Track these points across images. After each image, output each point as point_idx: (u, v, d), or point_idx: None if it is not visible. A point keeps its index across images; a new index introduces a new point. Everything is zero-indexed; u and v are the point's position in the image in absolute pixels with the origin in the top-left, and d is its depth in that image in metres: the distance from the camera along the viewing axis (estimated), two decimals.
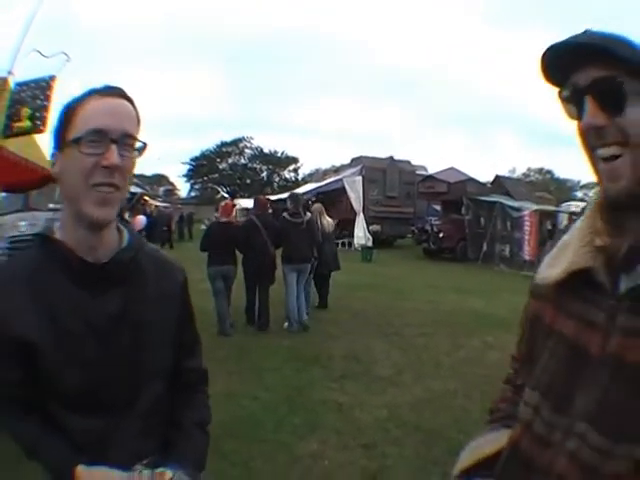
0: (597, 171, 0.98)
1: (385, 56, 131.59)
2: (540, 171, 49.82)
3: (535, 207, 19.80)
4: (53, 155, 1.32)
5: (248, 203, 28.51)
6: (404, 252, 23.57)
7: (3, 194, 7.95)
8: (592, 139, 0.97)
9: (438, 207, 25.84)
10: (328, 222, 10.23)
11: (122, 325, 1.35)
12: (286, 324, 8.72)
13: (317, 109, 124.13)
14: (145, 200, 24.68)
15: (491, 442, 1.21)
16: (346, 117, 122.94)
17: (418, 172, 26.92)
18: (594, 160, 0.98)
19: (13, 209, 10.99)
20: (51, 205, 10.54)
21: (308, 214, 9.24)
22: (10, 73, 4.86)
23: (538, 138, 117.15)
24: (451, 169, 23.93)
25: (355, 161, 27.57)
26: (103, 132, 1.22)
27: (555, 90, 1.04)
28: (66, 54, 5.08)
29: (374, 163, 25.92)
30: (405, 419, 5.02)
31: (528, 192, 24.19)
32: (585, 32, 0.97)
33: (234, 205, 9.68)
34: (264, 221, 8.74)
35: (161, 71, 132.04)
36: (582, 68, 0.97)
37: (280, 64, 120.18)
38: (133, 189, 25.87)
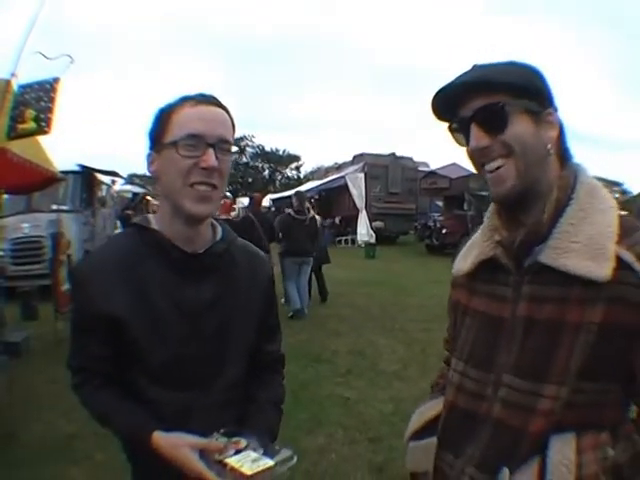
0: (487, 180, 1.22)
1: (386, 52, 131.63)
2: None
3: None
4: (149, 155, 1.44)
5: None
6: (407, 248, 23.56)
7: (6, 196, 8.01)
8: (480, 158, 1.21)
9: (441, 203, 25.75)
10: (317, 219, 10.55)
11: (213, 310, 1.49)
12: (290, 313, 9.28)
13: (318, 106, 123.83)
14: (147, 200, 24.71)
15: (432, 408, 1.47)
16: (347, 114, 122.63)
17: (420, 168, 26.78)
18: (483, 173, 1.22)
19: (15, 211, 11.00)
20: (54, 206, 10.57)
21: (312, 212, 9.91)
22: (13, 75, 4.89)
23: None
24: (453, 165, 23.80)
25: (357, 158, 27.50)
26: (199, 136, 1.33)
27: (445, 124, 1.29)
28: (70, 56, 5.12)
29: (376, 160, 25.82)
30: (411, 413, 4.93)
31: None
32: (472, 67, 1.22)
33: (233, 203, 10.51)
34: (260, 218, 9.31)
35: (159, 69, 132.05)
36: (466, 102, 1.19)
37: (280, 62, 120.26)
38: (135, 189, 25.97)
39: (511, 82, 1.15)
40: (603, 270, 1.08)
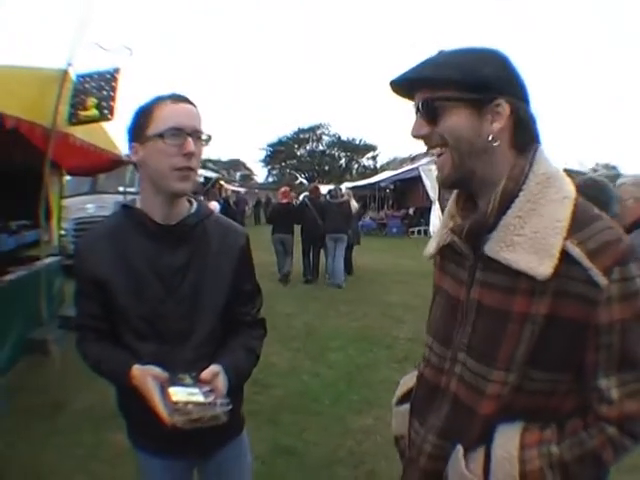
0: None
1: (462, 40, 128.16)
2: (606, 166, 47.97)
3: None
4: (132, 147, 1.67)
5: (325, 189, 28.71)
6: None
7: (68, 177, 8.41)
8: (424, 144, 1.30)
9: None
10: (354, 206, 12.57)
11: (186, 273, 1.73)
12: (327, 277, 11.77)
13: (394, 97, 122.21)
14: (220, 185, 25.08)
15: (412, 377, 1.59)
16: None
17: None
18: None
19: (79, 192, 11.30)
20: (120, 188, 10.83)
21: (345, 197, 11.95)
22: (70, 65, 5.18)
23: (603, 133, 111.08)
24: None
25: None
26: (180, 128, 1.59)
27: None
28: (129, 48, 5.43)
29: None
30: None
31: None
32: (438, 53, 1.26)
33: (291, 190, 13.24)
34: (314, 203, 11.82)
35: (240, 60, 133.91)
36: (413, 94, 1.27)
37: (359, 53, 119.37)
38: (209, 174, 26.35)
39: (449, 78, 1.17)
40: (543, 267, 1.09)
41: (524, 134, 1.22)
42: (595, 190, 2.91)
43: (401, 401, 1.61)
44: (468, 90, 1.17)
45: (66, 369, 5.33)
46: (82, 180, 11.16)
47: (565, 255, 1.10)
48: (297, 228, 11.80)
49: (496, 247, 1.18)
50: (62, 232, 8.94)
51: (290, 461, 3.93)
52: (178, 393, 1.50)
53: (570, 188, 1.19)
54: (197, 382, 1.58)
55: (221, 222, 1.89)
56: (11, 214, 7.97)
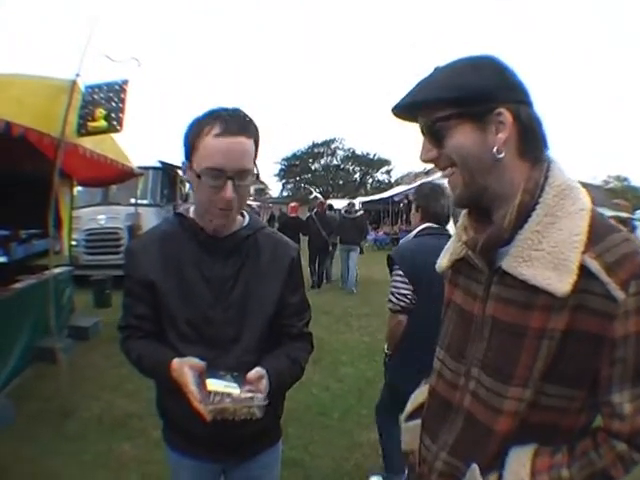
0: None
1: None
2: (617, 178, 47.60)
3: (611, 213, 18.79)
4: (184, 164, 1.67)
5: (340, 204, 28.86)
6: None
7: (79, 188, 8.43)
8: (435, 166, 1.27)
9: None
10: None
11: (235, 281, 1.75)
12: (340, 284, 12.90)
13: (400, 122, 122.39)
14: None
15: (423, 392, 1.55)
16: None
17: None
18: None
19: (90, 203, 11.30)
20: (132, 200, 10.77)
21: (360, 212, 13.71)
22: (78, 76, 5.19)
23: (614, 146, 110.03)
24: None
25: None
26: (220, 170, 1.55)
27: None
28: (137, 59, 5.44)
29: None
30: None
31: (606, 198, 22.98)
32: (434, 70, 1.23)
33: (300, 206, 14.62)
34: (319, 217, 13.02)
35: (256, 76, 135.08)
36: (417, 116, 1.25)
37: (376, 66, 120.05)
38: None
39: (447, 97, 1.15)
40: (563, 284, 1.07)
41: (531, 140, 1.18)
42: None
43: (411, 416, 1.59)
44: (466, 105, 1.14)
45: (74, 378, 5.37)
46: (94, 191, 11.22)
47: (583, 269, 1.08)
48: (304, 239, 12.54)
49: (514, 262, 1.15)
50: (73, 242, 9.02)
51: (296, 473, 3.92)
52: (215, 384, 1.51)
53: (586, 199, 1.16)
54: (237, 380, 1.56)
55: (272, 235, 1.91)
56: (21, 223, 8.02)
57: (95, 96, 5.32)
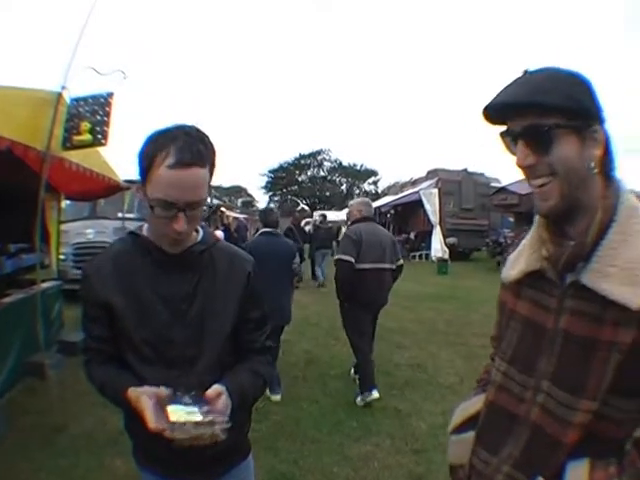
0: (534, 193, 1.25)
1: (458, 67, 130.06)
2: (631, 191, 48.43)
3: None
4: (138, 189, 1.62)
5: (334, 215, 28.88)
6: (480, 265, 22.92)
7: (67, 202, 8.35)
8: (526, 173, 1.25)
9: (512, 219, 25.00)
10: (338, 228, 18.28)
11: (192, 299, 1.72)
12: (317, 284, 15.68)
13: (393, 121, 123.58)
14: (222, 211, 25.23)
15: (474, 404, 1.54)
16: (421, 129, 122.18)
17: (492, 184, 26.10)
18: (530, 185, 1.25)
19: (78, 217, 11.25)
20: (120, 214, 10.77)
21: (330, 224, 17.37)
22: (64, 88, 5.12)
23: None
24: (523, 181, 23.09)
25: (431, 174, 27.15)
26: (171, 203, 1.52)
27: (497, 129, 1.30)
28: (123, 72, 5.38)
29: (449, 175, 25.51)
30: None
31: None
32: (523, 75, 1.23)
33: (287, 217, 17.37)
34: (297, 227, 15.48)
35: (241, 86, 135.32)
36: (516, 118, 1.21)
37: (359, 79, 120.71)
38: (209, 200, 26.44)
39: (562, 105, 1.14)
40: (638, 299, 1.11)
41: (612, 159, 1.24)
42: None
43: (460, 428, 1.56)
44: (575, 116, 1.16)
45: (65, 393, 5.36)
46: (81, 205, 11.14)
47: None
48: None
49: (592, 277, 1.18)
50: (61, 257, 8.93)
51: None
52: (176, 412, 1.47)
53: None
54: (197, 401, 1.53)
55: (227, 250, 1.89)
56: (10, 237, 7.95)
57: (80, 109, 5.26)
